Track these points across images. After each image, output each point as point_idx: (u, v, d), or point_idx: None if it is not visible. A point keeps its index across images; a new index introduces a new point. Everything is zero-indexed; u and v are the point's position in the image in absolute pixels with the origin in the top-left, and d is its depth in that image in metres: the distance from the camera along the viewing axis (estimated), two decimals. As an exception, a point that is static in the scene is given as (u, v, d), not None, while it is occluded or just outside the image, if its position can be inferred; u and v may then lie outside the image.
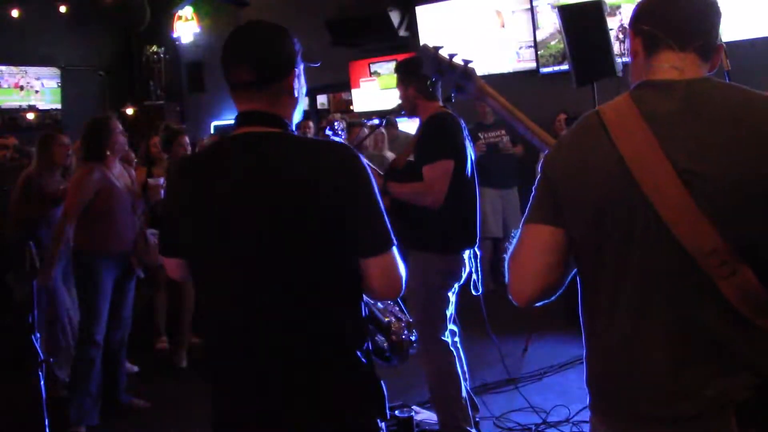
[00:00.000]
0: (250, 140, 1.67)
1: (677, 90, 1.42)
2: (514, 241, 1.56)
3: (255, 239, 1.61)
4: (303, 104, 1.79)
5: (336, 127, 3.77)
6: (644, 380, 1.39)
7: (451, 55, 1.95)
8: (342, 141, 3.75)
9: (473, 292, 3.52)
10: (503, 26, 7.97)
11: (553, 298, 1.53)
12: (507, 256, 1.57)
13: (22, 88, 11.32)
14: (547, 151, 1.55)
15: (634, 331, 1.40)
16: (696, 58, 1.47)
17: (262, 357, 1.64)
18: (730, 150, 1.33)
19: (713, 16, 1.49)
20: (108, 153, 4.15)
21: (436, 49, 1.98)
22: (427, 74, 2.06)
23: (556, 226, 1.48)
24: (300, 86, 1.75)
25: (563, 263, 1.50)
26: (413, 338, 2.21)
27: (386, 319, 2.15)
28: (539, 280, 1.50)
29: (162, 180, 4.78)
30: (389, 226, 1.67)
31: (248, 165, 1.63)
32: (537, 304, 1.54)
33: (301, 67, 1.76)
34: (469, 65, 1.92)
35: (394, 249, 1.67)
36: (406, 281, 1.73)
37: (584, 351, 1.53)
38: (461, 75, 1.93)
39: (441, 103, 3.51)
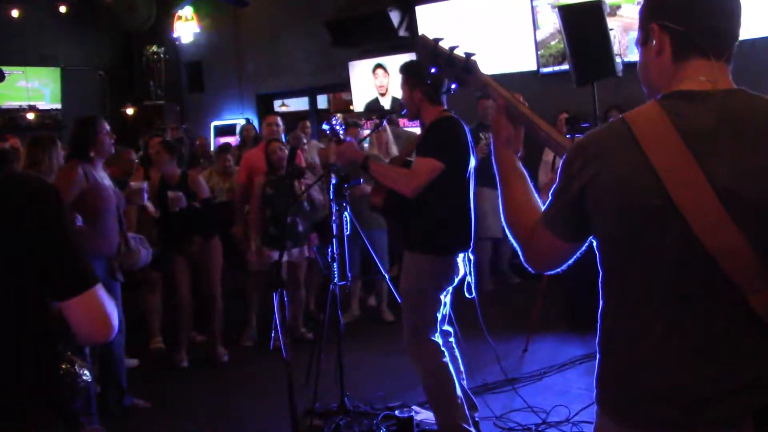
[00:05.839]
0: None
1: (713, 102, 1.37)
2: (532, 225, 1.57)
3: None
4: None
5: (334, 123, 3.75)
6: (674, 388, 1.38)
7: (452, 48, 1.84)
8: (342, 137, 3.75)
9: (467, 295, 3.52)
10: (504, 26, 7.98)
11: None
12: (514, 233, 1.62)
13: (24, 89, 11.33)
14: (566, 156, 1.48)
15: (665, 340, 1.38)
16: (726, 66, 1.42)
17: None
18: None
19: (740, 18, 1.42)
20: (92, 153, 4.07)
21: (436, 40, 1.86)
22: (424, 65, 1.94)
23: (572, 242, 1.51)
24: None
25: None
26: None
27: None
28: (552, 268, 1.61)
29: (145, 184, 4.74)
30: (88, 264, 1.57)
31: None
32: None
33: None
34: (471, 58, 1.82)
35: (98, 286, 1.56)
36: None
37: (600, 353, 1.51)
38: (462, 69, 1.83)
39: (445, 107, 3.51)
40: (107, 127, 4.18)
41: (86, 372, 1.61)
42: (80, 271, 1.54)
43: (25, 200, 1.51)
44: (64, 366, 1.59)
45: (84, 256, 1.55)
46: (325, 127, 3.83)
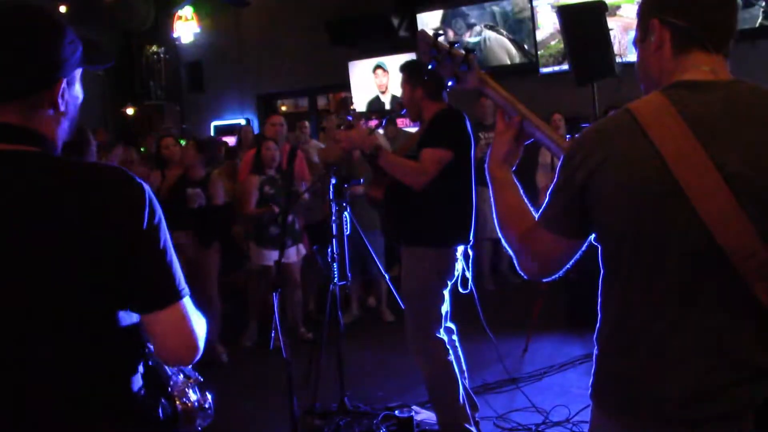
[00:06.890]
0: None
1: (716, 92, 1.39)
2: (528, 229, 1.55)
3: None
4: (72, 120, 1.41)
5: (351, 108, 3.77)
6: (675, 381, 1.37)
7: (452, 43, 1.85)
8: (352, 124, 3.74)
9: (461, 290, 3.51)
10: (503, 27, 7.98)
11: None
12: (509, 240, 1.59)
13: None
14: (568, 150, 1.47)
15: (668, 332, 1.38)
16: (724, 60, 1.44)
17: None
18: None
19: (738, 12, 1.46)
20: None
21: (436, 35, 1.87)
22: (422, 61, 1.94)
23: (574, 239, 1.49)
24: (72, 97, 1.39)
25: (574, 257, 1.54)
26: (204, 401, 1.57)
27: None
28: (550, 273, 1.58)
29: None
30: (179, 275, 1.36)
31: None
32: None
33: (78, 73, 1.40)
34: (470, 55, 1.82)
35: (185, 300, 1.37)
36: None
37: (598, 349, 1.50)
38: (460, 64, 1.82)
39: (446, 103, 3.52)
40: (91, 136, 4.10)
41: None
42: (165, 282, 1.34)
43: (108, 194, 1.31)
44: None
45: (173, 263, 1.35)
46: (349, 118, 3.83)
